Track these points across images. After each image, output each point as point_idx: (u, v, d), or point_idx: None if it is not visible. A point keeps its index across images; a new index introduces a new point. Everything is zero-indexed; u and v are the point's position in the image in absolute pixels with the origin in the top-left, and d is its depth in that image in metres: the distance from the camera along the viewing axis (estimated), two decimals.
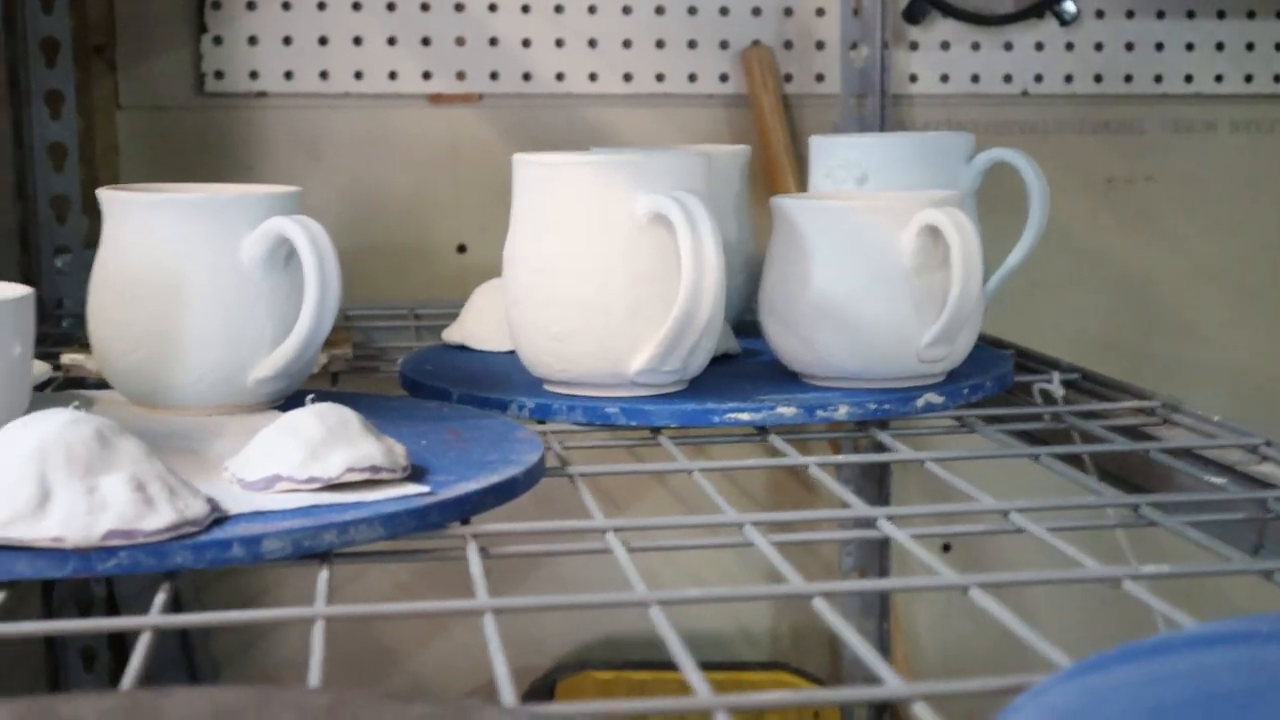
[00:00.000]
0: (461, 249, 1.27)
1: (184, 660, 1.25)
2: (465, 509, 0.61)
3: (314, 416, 0.61)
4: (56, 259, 1.18)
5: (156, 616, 0.50)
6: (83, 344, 0.92)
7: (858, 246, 0.79)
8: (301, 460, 0.59)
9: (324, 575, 0.55)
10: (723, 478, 0.67)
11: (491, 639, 0.48)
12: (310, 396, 0.64)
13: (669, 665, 1.26)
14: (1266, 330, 1.38)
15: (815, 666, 1.34)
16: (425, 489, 0.60)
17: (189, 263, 0.72)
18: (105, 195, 0.75)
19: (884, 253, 0.78)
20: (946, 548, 1.30)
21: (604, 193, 0.76)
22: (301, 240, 0.71)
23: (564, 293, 0.77)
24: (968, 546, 1.31)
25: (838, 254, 0.79)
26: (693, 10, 1.27)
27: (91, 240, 1.19)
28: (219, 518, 0.56)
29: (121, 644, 1.24)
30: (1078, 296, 1.35)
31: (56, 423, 0.54)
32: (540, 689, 1.24)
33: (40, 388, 0.83)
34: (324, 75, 1.23)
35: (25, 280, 1.17)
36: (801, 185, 1.25)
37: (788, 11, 1.28)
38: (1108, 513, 0.69)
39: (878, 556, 1.29)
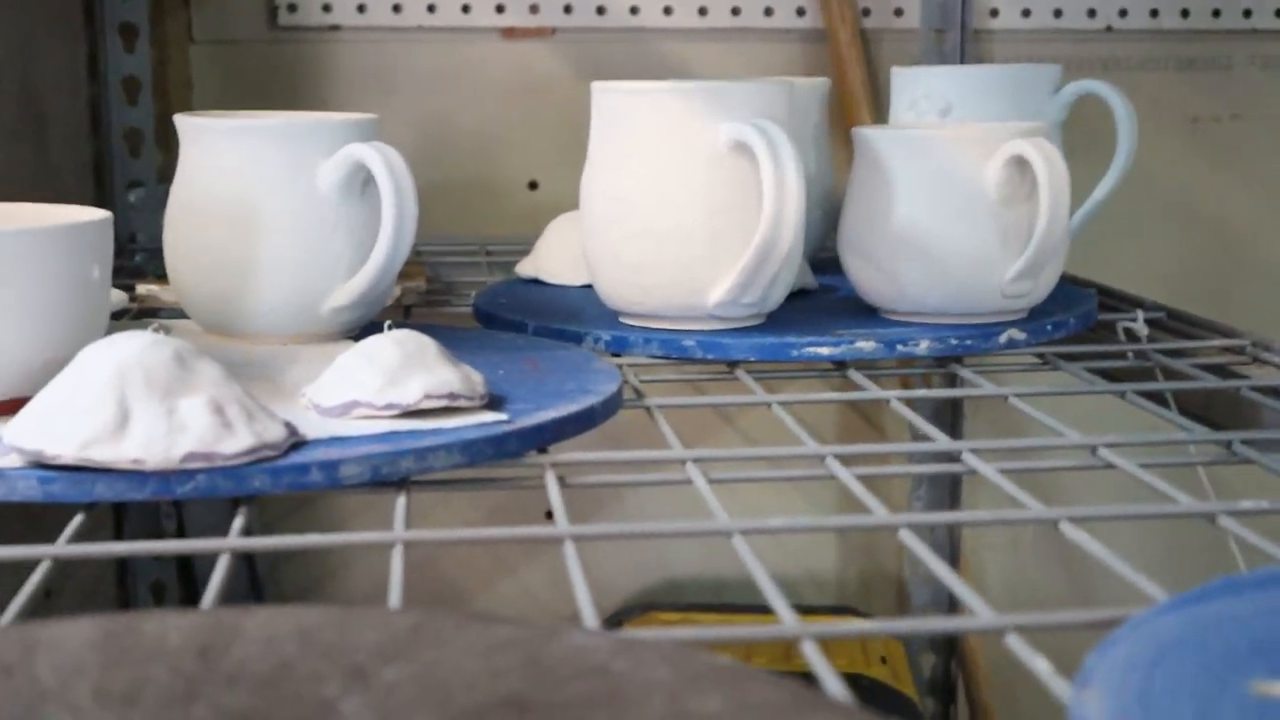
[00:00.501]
0: (533, 185, 1.26)
1: (252, 596, 1.26)
2: (543, 437, 0.60)
3: (392, 343, 0.60)
4: (130, 193, 1.19)
5: (235, 539, 0.50)
6: (158, 276, 0.93)
7: (942, 178, 0.77)
8: (379, 386, 0.59)
9: (401, 501, 0.54)
10: (794, 415, 0.66)
11: (573, 565, 0.47)
12: (388, 323, 0.63)
13: (734, 608, 1.26)
14: None
15: (882, 612, 1.33)
16: (503, 417, 0.59)
17: (266, 189, 0.72)
18: (182, 121, 0.75)
19: (969, 184, 0.77)
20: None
21: (685, 121, 0.75)
22: (379, 166, 0.70)
23: (642, 223, 0.76)
24: (1039, 487, 1.29)
25: (921, 185, 0.77)
26: None
27: (165, 174, 1.19)
28: (296, 442, 0.56)
29: (190, 579, 1.25)
30: (1160, 237, 1.32)
31: (136, 345, 0.54)
32: (608, 629, 1.24)
33: (116, 317, 0.83)
34: (397, 8, 1.22)
35: None
36: (878, 119, 1.23)
37: None
38: (1192, 451, 0.67)
39: (947, 499, 1.27)
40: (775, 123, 0.74)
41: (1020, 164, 0.76)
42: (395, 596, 0.44)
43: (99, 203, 1.18)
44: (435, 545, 1.23)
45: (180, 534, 1.21)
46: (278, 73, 1.23)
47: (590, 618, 0.43)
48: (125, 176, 1.18)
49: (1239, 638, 0.37)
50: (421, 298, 0.94)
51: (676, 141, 0.75)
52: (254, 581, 1.25)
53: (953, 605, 1.31)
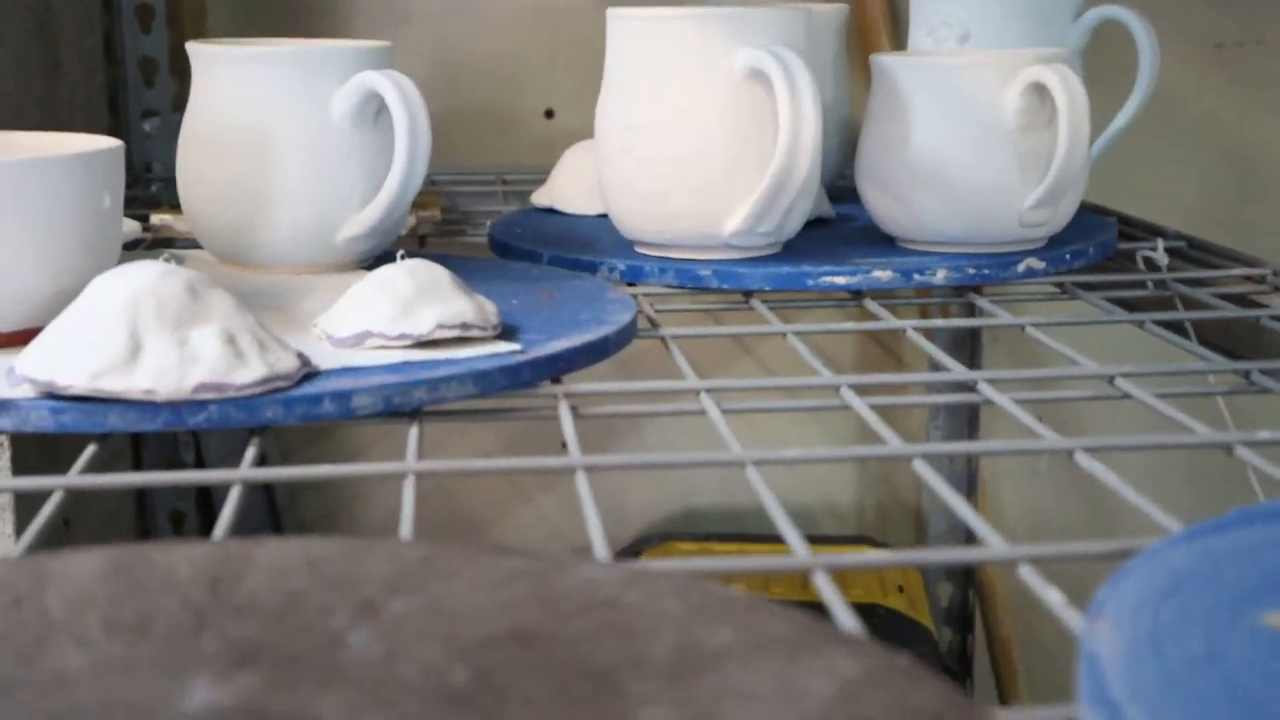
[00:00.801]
0: (549, 114, 1.25)
1: (270, 526, 1.26)
2: (557, 367, 0.60)
3: (405, 273, 0.60)
4: (144, 122, 1.18)
5: (247, 470, 0.49)
6: (172, 206, 0.92)
7: (960, 105, 0.76)
8: (392, 317, 0.59)
9: (414, 432, 0.54)
10: (809, 345, 0.65)
11: (584, 496, 0.47)
12: (401, 253, 0.63)
13: (752, 538, 1.26)
14: None
15: (900, 542, 1.33)
16: (516, 347, 0.59)
17: (279, 117, 0.71)
18: (195, 49, 0.74)
19: (987, 112, 0.76)
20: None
21: (700, 47, 0.74)
22: (392, 94, 0.70)
23: (658, 150, 0.75)
24: (1057, 416, 1.29)
25: (939, 113, 0.77)
26: None
27: (180, 103, 1.18)
28: (309, 373, 0.56)
29: (209, 509, 1.26)
30: (1183, 164, 1.31)
31: (148, 275, 0.53)
32: (623, 560, 1.24)
33: (129, 247, 0.83)
34: None
35: None
36: (898, 47, 1.22)
37: None
38: (1212, 381, 0.67)
39: (965, 429, 1.27)
40: (792, 50, 0.73)
41: (1039, 91, 0.75)
42: (406, 528, 0.44)
43: (114, 132, 1.18)
44: (451, 475, 1.25)
45: (199, 464, 1.22)
46: (292, 1, 1.21)
47: (601, 549, 0.43)
48: (140, 105, 1.18)
49: (1252, 569, 0.37)
50: (437, 227, 0.94)
51: (692, 68, 0.74)
52: (273, 511, 1.26)
53: (970, 535, 1.31)
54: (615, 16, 0.77)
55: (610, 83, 0.78)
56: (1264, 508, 0.41)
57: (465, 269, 0.73)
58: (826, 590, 0.40)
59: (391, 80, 0.70)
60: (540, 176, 1.01)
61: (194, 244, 0.82)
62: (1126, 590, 0.36)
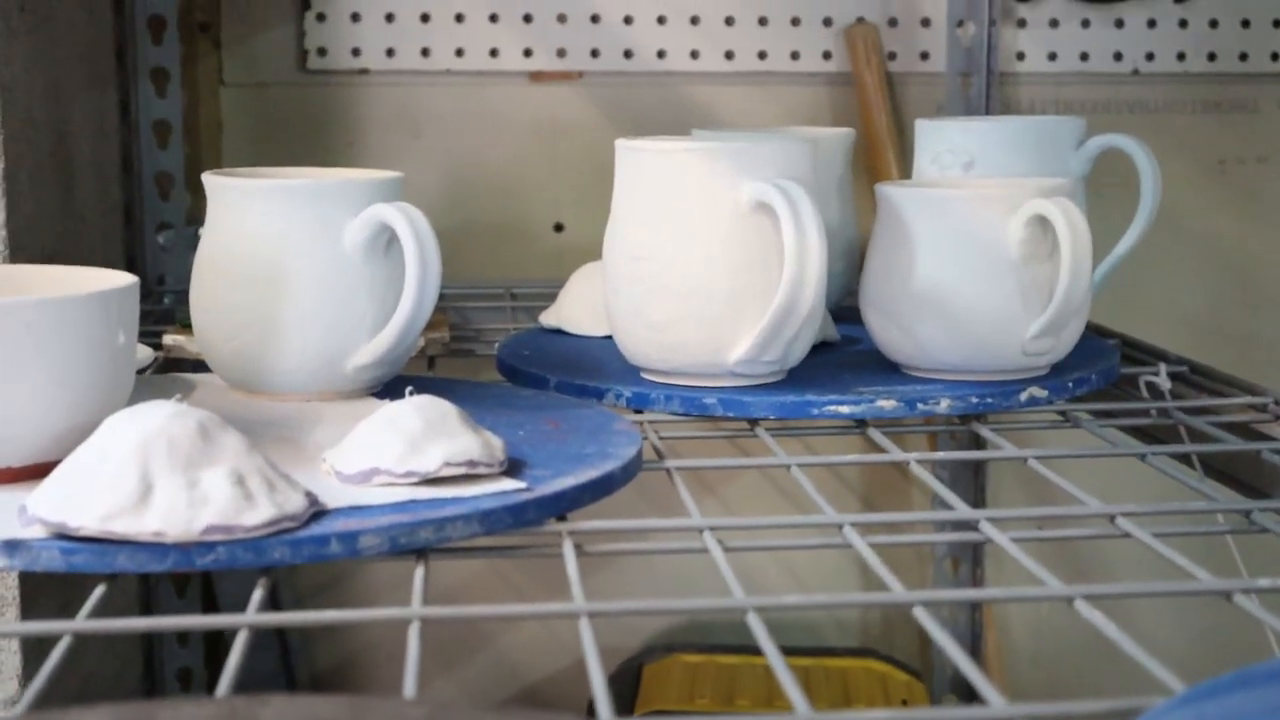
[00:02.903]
0: (559, 228, 1.27)
1: (283, 674, 1.26)
2: (562, 506, 0.60)
3: (413, 409, 0.61)
4: (159, 235, 1.19)
5: (254, 615, 0.50)
6: (184, 323, 0.93)
7: (964, 236, 0.77)
8: (400, 454, 0.59)
9: (420, 573, 0.54)
10: (814, 476, 0.66)
11: (588, 644, 0.47)
12: (409, 389, 0.64)
13: (758, 650, 1.25)
14: None
15: (905, 653, 1.33)
16: (523, 485, 0.60)
17: (292, 248, 0.73)
18: (210, 180, 0.76)
19: (991, 243, 0.77)
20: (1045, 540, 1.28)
21: (708, 180, 0.75)
22: (404, 228, 0.71)
23: (665, 281, 0.76)
24: (1064, 550, 1.29)
25: (943, 243, 0.78)
26: None
27: (194, 217, 1.20)
28: (317, 512, 0.56)
29: (217, 666, 1.25)
30: (1186, 281, 1.32)
31: (159, 415, 0.54)
32: (627, 672, 1.23)
33: (141, 370, 0.84)
34: (425, 52, 1.23)
35: (128, 256, 1.18)
36: (904, 165, 1.23)
37: None
38: (1218, 518, 0.67)
39: (972, 547, 1.27)
40: (798, 181, 0.74)
41: (1042, 222, 0.76)
42: (411, 681, 0.45)
43: (129, 245, 1.19)
44: (458, 590, 1.23)
45: (206, 595, 1.22)
46: (307, 116, 1.23)
47: (605, 708, 0.43)
48: (155, 219, 1.19)
49: None
50: (445, 348, 0.95)
51: (700, 200, 0.76)
52: (285, 658, 1.26)
53: (974, 648, 1.31)
54: (625, 147, 0.79)
55: (618, 211, 0.79)
56: (1260, 669, 0.41)
57: (472, 397, 0.74)
58: None
59: (403, 214, 0.71)
60: (549, 289, 1.02)
61: (205, 366, 0.83)
62: None
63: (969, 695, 1.30)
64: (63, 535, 0.53)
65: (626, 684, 1.19)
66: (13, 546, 0.53)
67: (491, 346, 0.97)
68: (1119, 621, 0.50)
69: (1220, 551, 0.77)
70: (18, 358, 0.58)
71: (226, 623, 0.49)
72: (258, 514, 0.54)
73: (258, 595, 0.53)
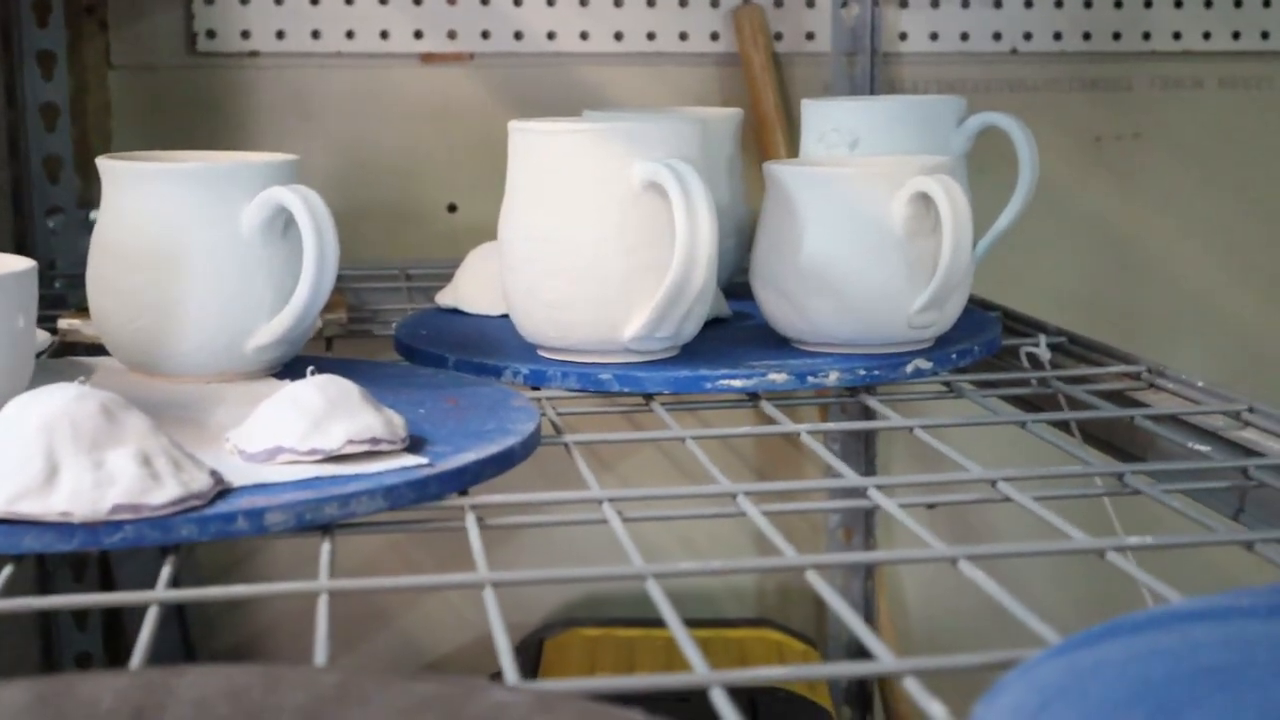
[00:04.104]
0: (452, 208, 1.28)
1: (182, 648, 1.26)
2: (464, 480, 0.62)
3: (315, 388, 0.62)
4: (49, 219, 1.19)
5: (163, 591, 0.51)
6: (79, 307, 0.93)
7: (850, 214, 0.79)
8: (303, 432, 0.60)
9: (326, 548, 0.56)
10: (708, 448, 0.68)
11: (493, 614, 0.49)
12: (310, 368, 0.65)
13: (656, 622, 1.28)
14: (1253, 287, 1.40)
15: (800, 622, 1.36)
16: (424, 460, 0.61)
17: (188, 232, 0.73)
18: (104, 164, 0.76)
19: (876, 220, 0.79)
20: (931, 506, 1.31)
21: (599, 160, 0.77)
22: (300, 210, 0.72)
23: (560, 261, 0.78)
24: (951, 514, 1.33)
25: (830, 221, 0.80)
26: None
27: (85, 200, 1.20)
28: (222, 490, 0.57)
29: (117, 651, 1.25)
30: (1064, 254, 1.36)
31: (63, 398, 0.55)
32: (528, 646, 1.25)
33: (38, 355, 0.84)
34: (316, 34, 1.24)
35: (18, 241, 1.18)
36: (792, 143, 1.25)
37: None
38: (1095, 481, 0.70)
39: (863, 516, 1.30)
40: (687, 162, 0.76)
41: (925, 199, 0.79)
42: (321, 652, 0.46)
43: (18, 230, 1.19)
44: (361, 571, 1.24)
45: (103, 563, 1.22)
46: (197, 98, 1.23)
47: (510, 671, 0.45)
48: (45, 203, 1.19)
49: (1118, 684, 0.40)
50: (343, 328, 0.96)
51: (591, 180, 0.77)
52: (186, 641, 1.26)
53: (868, 613, 1.34)
54: (517, 129, 0.80)
55: (513, 192, 0.80)
56: (1132, 619, 0.44)
57: (371, 376, 0.75)
58: (724, 707, 0.42)
59: (300, 196, 0.72)
60: (444, 270, 1.03)
61: (100, 349, 0.84)
62: (1001, 707, 0.38)
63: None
64: None
65: (528, 658, 1.21)
66: None
67: (388, 327, 0.98)
68: (1002, 581, 0.53)
69: (1098, 516, 0.80)
70: None
71: (136, 599, 0.50)
72: (164, 493, 0.54)
73: (166, 571, 0.54)
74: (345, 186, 1.24)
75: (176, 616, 1.26)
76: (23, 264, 0.63)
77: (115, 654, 1.25)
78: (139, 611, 1.17)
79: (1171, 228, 1.37)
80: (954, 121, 0.96)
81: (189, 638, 1.27)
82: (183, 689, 0.39)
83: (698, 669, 0.45)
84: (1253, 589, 0.47)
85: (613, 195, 0.77)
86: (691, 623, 1.30)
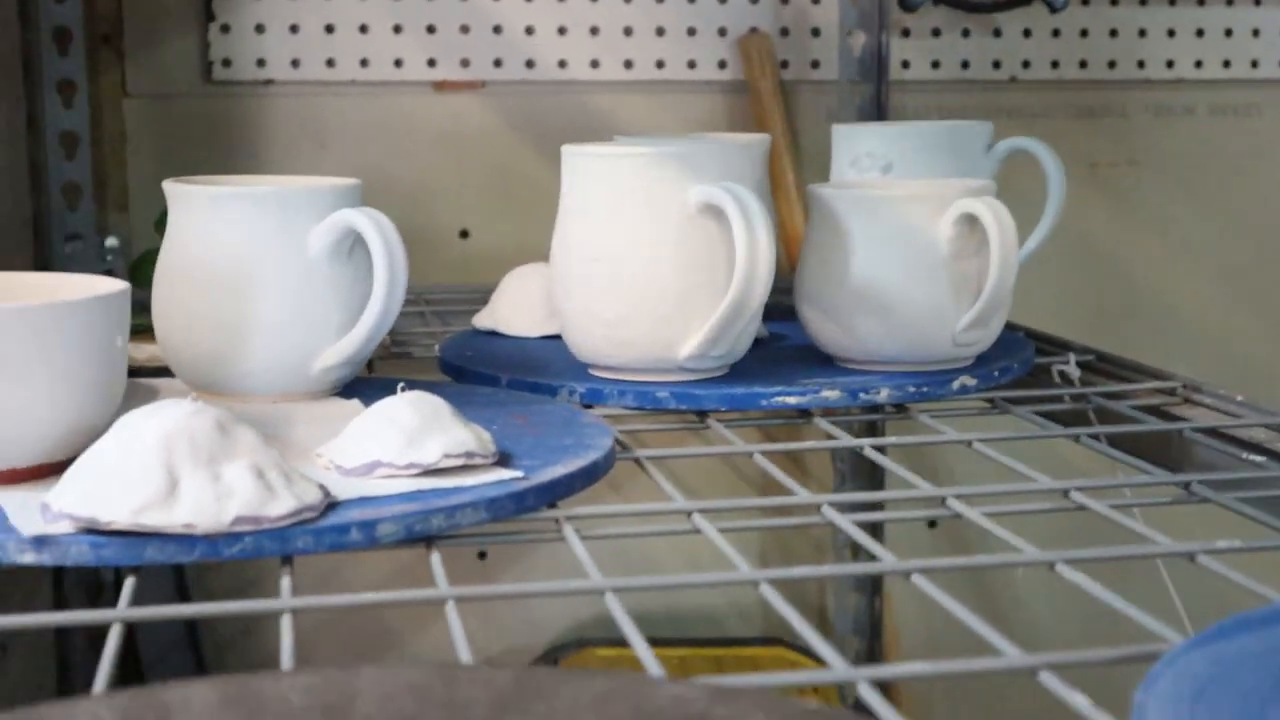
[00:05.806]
0: (464, 234, 1.29)
1: (189, 635, 1.27)
2: (556, 493, 0.63)
3: (408, 405, 0.63)
4: (67, 245, 1.19)
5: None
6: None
7: (897, 234, 0.81)
8: (401, 447, 0.61)
9: (436, 558, 0.57)
10: (773, 462, 0.70)
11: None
12: (401, 385, 0.66)
13: (669, 642, 1.29)
14: (1247, 308, 1.43)
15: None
16: (519, 474, 0.62)
17: (259, 254, 0.74)
18: (174, 188, 0.77)
19: (923, 241, 0.81)
20: (932, 524, 1.33)
21: (655, 182, 0.78)
22: (371, 232, 0.73)
23: (617, 281, 0.79)
24: (959, 527, 1.35)
25: (877, 242, 0.82)
26: None
27: (103, 227, 1.20)
28: (331, 503, 0.58)
29: (135, 667, 1.26)
30: (1063, 278, 1.38)
31: (179, 412, 0.56)
32: (543, 665, 1.26)
33: None
34: (330, 63, 1.25)
35: (39, 267, 1.18)
36: (799, 169, 1.28)
37: None
38: (1126, 491, 0.72)
39: (869, 530, 1.32)
40: (742, 183, 0.78)
41: (970, 220, 0.81)
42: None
43: (38, 256, 1.19)
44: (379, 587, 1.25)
45: (118, 584, 1.22)
46: (212, 126, 1.24)
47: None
48: (64, 230, 1.19)
49: (1263, 675, 0.41)
50: (386, 350, 0.97)
51: (649, 203, 0.79)
52: (199, 659, 1.26)
53: (873, 632, 1.35)
54: (572, 153, 0.81)
55: (566, 214, 0.82)
56: (1257, 615, 0.46)
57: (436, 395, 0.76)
58: (873, 700, 0.44)
59: (370, 218, 0.73)
60: (459, 294, 1.05)
61: (152, 371, 0.84)
62: (1160, 694, 0.40)
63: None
64: (92, 530, 0.54)
65: None
66: (41, 542, 0.54)
67: (425, 349, 0.99)
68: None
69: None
70: (24, 361, 0.59)
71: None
72: (281, 505, 0.55)
73: (286, 582, 0.54)
74: None
75: (189, 640, 1.26)
76: (117, 285, 0.64)
77: (125, 679, 1.24)
78: (152, 635, 1.18)
79: (1165, 250, 1.41)
80: (984, 146, 0.98)
81: (203, 662, 1.27)
82: (366, 686, 0.41)
83: (836, 666, 0.47)
84: None
85: (669, 217, 0.79)
86: (700, 643, 1.32)
